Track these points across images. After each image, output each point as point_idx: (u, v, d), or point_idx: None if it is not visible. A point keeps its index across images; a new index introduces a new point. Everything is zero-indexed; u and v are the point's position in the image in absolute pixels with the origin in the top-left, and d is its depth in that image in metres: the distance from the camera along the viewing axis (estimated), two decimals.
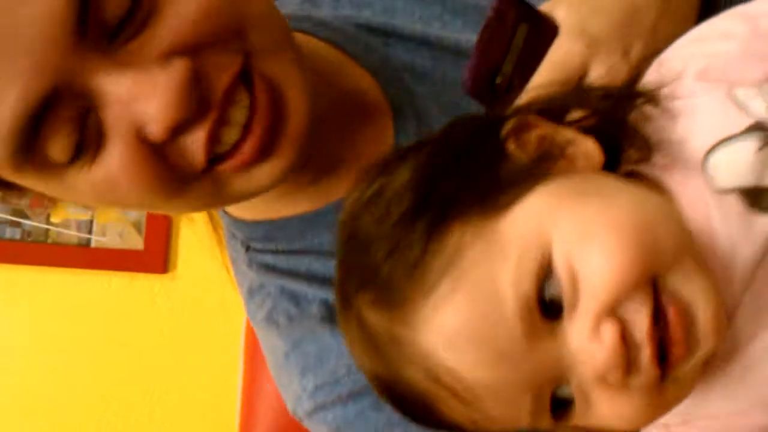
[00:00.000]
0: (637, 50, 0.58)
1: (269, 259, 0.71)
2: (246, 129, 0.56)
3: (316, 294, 0.69)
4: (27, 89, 0.49)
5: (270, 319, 0.72)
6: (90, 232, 1.69)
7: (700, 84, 0.53)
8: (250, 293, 0.74)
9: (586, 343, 0.47)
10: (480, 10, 0.69)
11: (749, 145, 0.50)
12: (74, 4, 0.49)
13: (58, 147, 0.52)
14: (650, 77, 0.56)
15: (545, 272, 0.47)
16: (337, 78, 0.69)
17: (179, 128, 0.53)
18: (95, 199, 0.58)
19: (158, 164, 0.55)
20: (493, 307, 0.47)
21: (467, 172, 0.49)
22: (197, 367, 1.71)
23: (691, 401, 0.52)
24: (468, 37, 0.69)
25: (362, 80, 0.70)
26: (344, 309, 0.53)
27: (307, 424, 0.71)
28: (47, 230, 1.70)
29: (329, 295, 0.63)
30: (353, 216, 0.52)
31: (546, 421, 0.50)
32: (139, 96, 0.52)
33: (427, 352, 0.48)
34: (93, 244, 1.70)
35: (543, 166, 0.49)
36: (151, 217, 1.68)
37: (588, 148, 0.51)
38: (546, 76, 0.58)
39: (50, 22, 0.49)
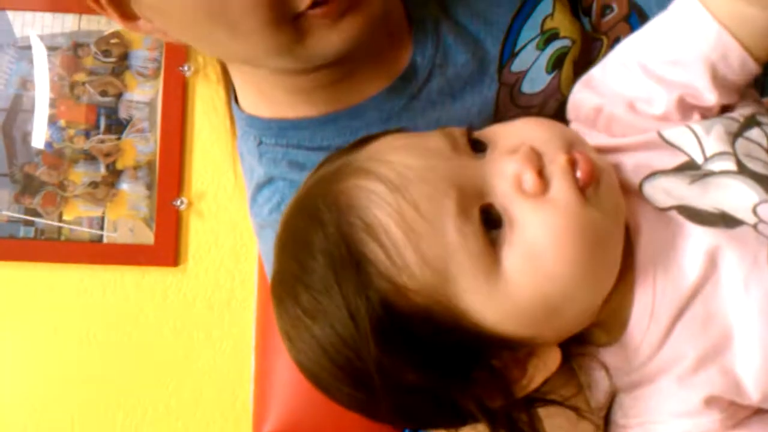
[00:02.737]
0: None
1: (279, 152, 0.75)
2: None
3: None
4: None
5: (278, 210, 0.75)
6: (102, 228, 1.71)
7: (631, 117, 0.59)
8: (258, 188, 0.77)
9: (503, 160, 0.52)
10: None
11: (682, 179, 0.55)
12: None
13: None
14: (579, 95, 0.63)
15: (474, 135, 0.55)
16: None
17: None
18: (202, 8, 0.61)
19: None
20: (425, 136, 0.55)
21: None
22: (210, 359, 1.73)
23: (646, 406, 0.55)
24: None
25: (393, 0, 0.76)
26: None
27: None
28: (60, 228, 1.72)
29: None
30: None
31: (477, 228, 0.51)
32: None
33: (367, 157, 0.55)
34: (105, 240, 1.72)
35: None
36: (160, 212, 1.70)
37: None
38: None
39: None
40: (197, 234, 1.72)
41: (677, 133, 0.56)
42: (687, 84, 0.56)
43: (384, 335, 0.51)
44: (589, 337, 0.57)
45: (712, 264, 0.52)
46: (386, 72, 0.74)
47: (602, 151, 0.58)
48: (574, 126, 0.63)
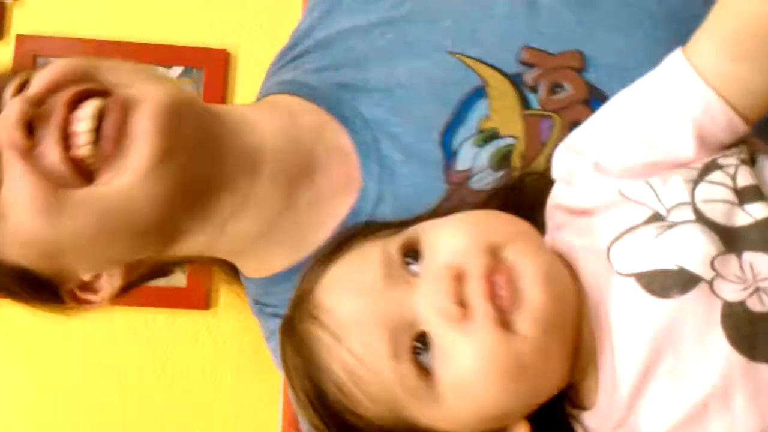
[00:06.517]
0: None
1: (269, 310, 0.83)
2: (99, 127, 0.66)
3: None
4: None
5: None
6: None
7: (597, 176, 0.59)
8: (268, 339, 0.86)
9: (430, 288, 0.56)
10: (441, 48, 0.80)
11: (649, 233, 0.54)
12: None
13: None
14: (558, 155, 0.63)
15: (410, 245, 0.59)
16: (317, 130, 0.80)
17: (29, 114, 0.65)
18: (18, 234, 0.69)
19: (34, 164, 0.66)
20: (364, 262, 0.59)
21: None
22: (239, 402, 1.73)
23: None
24: (429, 76, 0.79)
25: (334, 130, 0.80)
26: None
27: None
28: None
29: None
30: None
31: (409, 366, 0.55)
32: None
33: (315, 302, 0.61)
34: None
35: None
36: None
37: None
38: None
39: None
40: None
41: (636, 189, 0.56)
42: (667, 148, 0.56)
43: None
44: (575, 400, 0.59)
45: (668, 337, 0.52)
46: (340, 203, 0.78)
47: (575, 212, 0.59)
48: (557, 185, 0.63)
